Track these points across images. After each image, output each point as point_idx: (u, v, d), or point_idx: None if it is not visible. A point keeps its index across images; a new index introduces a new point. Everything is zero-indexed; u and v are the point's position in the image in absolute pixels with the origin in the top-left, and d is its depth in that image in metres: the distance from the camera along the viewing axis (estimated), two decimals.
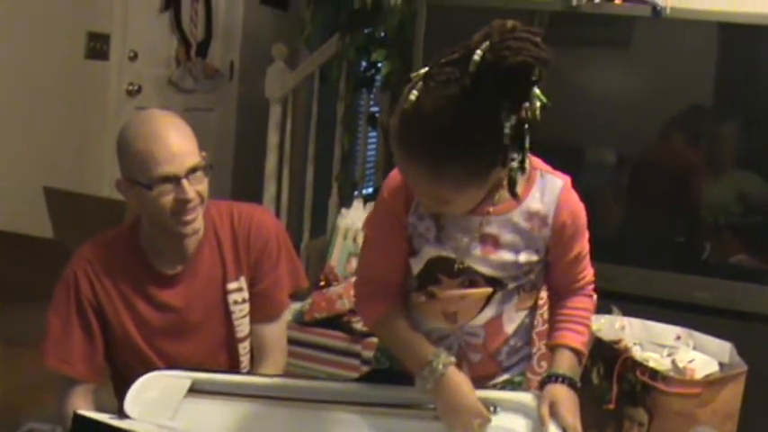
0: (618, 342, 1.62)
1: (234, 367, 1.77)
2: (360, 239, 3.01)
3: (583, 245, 1.48)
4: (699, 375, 1.51)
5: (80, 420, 1.29)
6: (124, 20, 3.85)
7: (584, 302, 1.52)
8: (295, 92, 4.01)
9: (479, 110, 1.18)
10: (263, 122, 3.95)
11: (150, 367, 1.54)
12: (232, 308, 1.74)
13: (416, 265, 1.44)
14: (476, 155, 1.22)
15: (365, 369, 2.61)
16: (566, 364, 1.45)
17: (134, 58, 3.95)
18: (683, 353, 1.58)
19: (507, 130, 1.19)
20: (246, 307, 1.76)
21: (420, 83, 1.21)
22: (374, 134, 4.76)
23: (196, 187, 1.61)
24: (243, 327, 1.76)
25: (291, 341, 1.92)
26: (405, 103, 1.21)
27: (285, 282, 1.80)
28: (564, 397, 1.39)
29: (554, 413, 1.38)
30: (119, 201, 2.42)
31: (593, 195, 2.67)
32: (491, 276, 1.42)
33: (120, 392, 1.43)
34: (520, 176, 1.32)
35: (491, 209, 1.39)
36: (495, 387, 1.52)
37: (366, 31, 3.76)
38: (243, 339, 1.77)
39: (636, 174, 2.74)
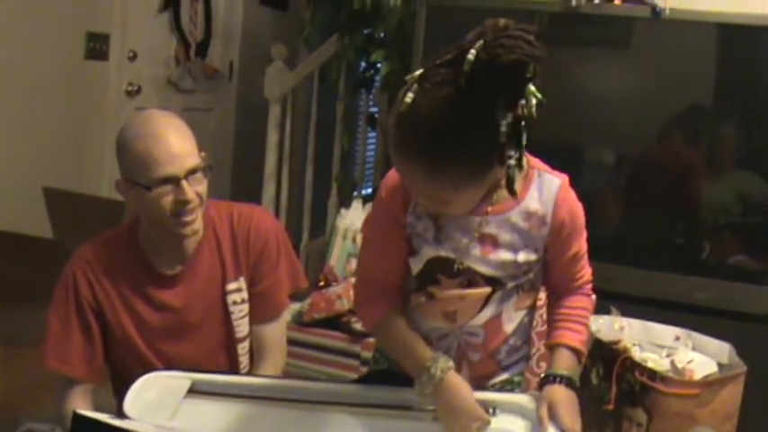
0: (617, 343, 1.62)
1: (233, 368, 1.77)
2: (359, 240, 3.01)
3: (581, 244, 1.48)
4: (698, 376, 1.51)
5: (79, 420, 1.29)
6: (123, 20, 3.85)
7: (582, 301, 1.53)
8: (294, 92, 4.01)
9: (475, 109, 1.18)
10: (262, 122, 3.95)
11: (149, 368, 1.54)
12: (231, 308, 1.74)
13: (416, 266, 1.44)
14: (473, 154, 1.22)
15: (364, 369, 2.62)
16: (564, 363, 1.45)
17: (133, 58, 3.95)
18: (682, 353, 1.58)
19: (504, 129, 1.20)
20: (246, 307, 1.76)
21: (415, 85, 1.21)
22: (373, 134, 4.76)
23: (196, 188, 1.61)
24: (242, 327, 1.76)
25: (291, 341, 1.92)
26: (400, 105, 1.21)
27: (285, 282, 1.80)
28: (562, 397, 1.39)
29: (553, 414, 1.38)
30: (118, 201, 2.41)
31: (593, 195, 2.67)
32: (490, 276, 1.43)
33: (120, 393, 1.43)
34: (518, 174, 1.32)
35: (489, 208, 1.39)
36: (494, 386, 1.53)
37: (365, 31, 3.76)
38: (242, 340, 1.77)
39: (635, 174, 2.74)
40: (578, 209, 1.46)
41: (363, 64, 4.01)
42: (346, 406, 1.46)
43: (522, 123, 1.23)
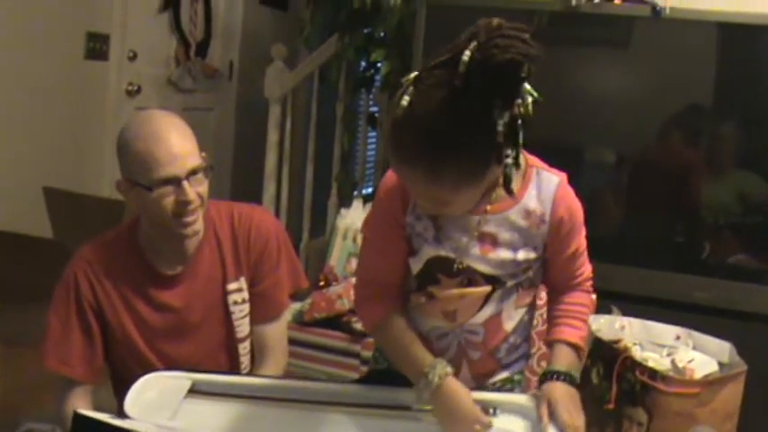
0: (617, 342, 1.62)
1: (234, 368, 1.77)
2: (359, 239, 3.02)
3: (580, 241, 1.49)
4: (698, 375, 1.51)
5: (80, 420, 1.29)
6: (123, 20, 3.85)
7: (581, 298, 1.53)
8: (294, 92, 4.01)
9: (472, 110, 1.19)
10: (262, 122, 3.95)
11: (149, 368, 1.54)
12: (232, 308, 1.74)
13: (416, 265, 1.44)
14: (471, 155, 1.22)
15: (364, 369, 2.62)
16: (563, 360, 1.46)
17: (133, 58, 3.95)
18: (683, 353, 1.58)
19: (500, 128, 1.20)
20: (246, 307, 1.76)
21: (411, 87, 1.21)
22: (374, 134, 4.76)
23: (197, 189, 1.61)
24: (243, 327, 1.76)
25: (291, 341, 1.91)
26: (397, 108, 1.21)
27: (285, 282, 1.80)
28: (561, 394, 1.39)
29: (551, 412, 1.38)
30: (118, 201, 2.42)
31: (593, 195, 2.67)
32: (490, 275, 1.43)
33: (120, 393, 1.43)
34: (515, 173, 1.32)
35: (488, 207, 1.39)
36: (494, 385, 1.53)
37: (365, 31, 3.76)
38: (243, 340, 1.77)
39: (635, 174, 2.74)
40: (577, 207, 1.46)
41: (363, 63, 4.01)
42: (346, 406, 1.46)
43: (519, 122, 1.23)
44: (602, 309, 1.71)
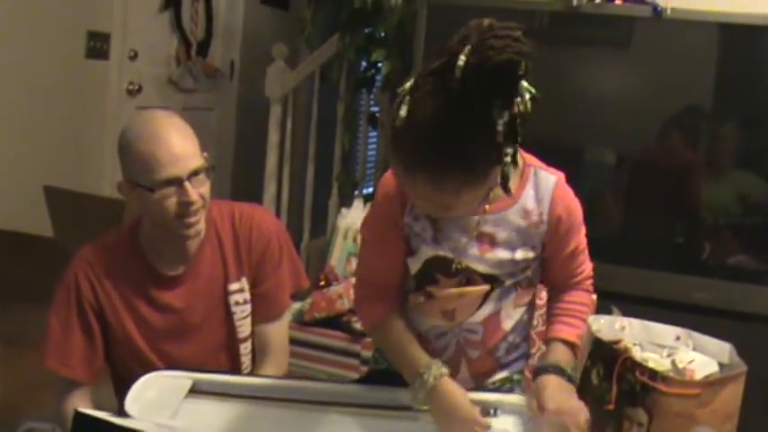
0: (617, 342, 1.62)
1: (235, 368, 1.76)
2: (360, 239, 3.02)
3: (579, 240, 1.49)
4: (698, 376, 1.51)
5: (81, 418, 1.29)
6: (124, 19, 3.85)
7: (581, 297, 1.53)
8: (295, 91, 4.01)
9: (471, 113, 1.18)
10: (263, 122, 3.95)
11: (151, 369, 1.54)
12: (233, 309, 1.74)
13: (414, 265, 1.45)
14: (473, 158, 1.22)
15: (364, 369, 2.62)
16: (557, 356, 1.46)
17: (134, 57, 3.95)
18: (683, 353, 1.57)
19: (501, 128, 1.19)
20: (248, 308, 1.76)
21: (408, 97, 1.21)
22: (374, 134, 4.76)
23: (198, 189, 1.61)
24: (244, 327, 1.76)
25: (291, 341, 1.91)
26: (396, 119, 1.21)
27: (287, 282, 1.80)
28: (551, 385, 1.39)
29: (539, 400, 1.37)
30: (119, 200, 2.41)
31: (594, 196, 2.67)
32: (488, 274, 1.43)
33: (121, 392, 1.43)
34: (513, 172, 1.32)
35: (487, 207, 1.39)
36: (493, 384, 1.53)
37: (366, 30, 3.76)
38: (244, 340, 1.77)
39: (636, 174, 2.74)
40: (575, 205, 1.46)
41: (364, 63, 4.01)
42: (346, 406, 1.46)
43: (518, 120, 1.23)
44: (602, 309, 1.71)
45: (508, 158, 1.27)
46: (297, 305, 3.08)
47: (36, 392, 2.17)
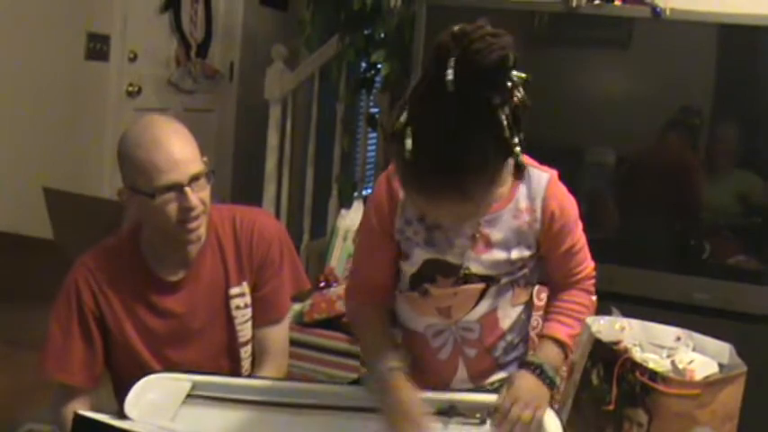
0: (617, 343, 1.62)
1: (235, 372, 1.75)
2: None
3: (575, 238, 1.49)
4: (698, 376, 1.51)
5: (81, 421, 1.29)
6: (124, 21, 3.86)
7: (578, 296, 1.54)
8: (295, 93, 4.01)
9: (475, 119, 1.19)
10: (262, 123, 3.95)
11: (151, 373, 1.53)
12: (234, 313, 1.73)
13: (410, 269, 1.46)
14: (489, 159, 1.22)
15: (364, 370, 2.61)
16: (543, 354, 1.47)
17: (134, 58, 3.96)
18: (683, 354, 1.57)
19: (505, 122, 1.19)
20: (248, 312, 1.75)
21: (408, 129, 1.20)
22: (374, 135, 4.75)
23: (199, 194, 1.60)
24: (245, 332, 1.75)
25: (291, 342, 1.91)
26: (404, 154, 1.20)
27: (288, 286, 1.79)
28: (520, 381, 1.41)
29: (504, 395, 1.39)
30: (118, 202, 2.42)
31: (593, 196, 2.67)
32: (484, 275, 1.44)
33: (121, 395, 1.43)
34: (506, 170, 1.31)
35: None
36: (492, 385, 1.53)
37: (365, 32, 3.76)
38: (245, 344, 1.76)
39: (635, 174, 2.74)
40: (569, 203, 1.46)
41: (364, 65, 4.01)
42: (346, 410, 1.46)
43: (519, 108, 1.23)
44: (602, 310, 1.71)
45: (518, 148, 1.26)
46: (297, 306, 3.08)
47: (36, 393, 2.16)
